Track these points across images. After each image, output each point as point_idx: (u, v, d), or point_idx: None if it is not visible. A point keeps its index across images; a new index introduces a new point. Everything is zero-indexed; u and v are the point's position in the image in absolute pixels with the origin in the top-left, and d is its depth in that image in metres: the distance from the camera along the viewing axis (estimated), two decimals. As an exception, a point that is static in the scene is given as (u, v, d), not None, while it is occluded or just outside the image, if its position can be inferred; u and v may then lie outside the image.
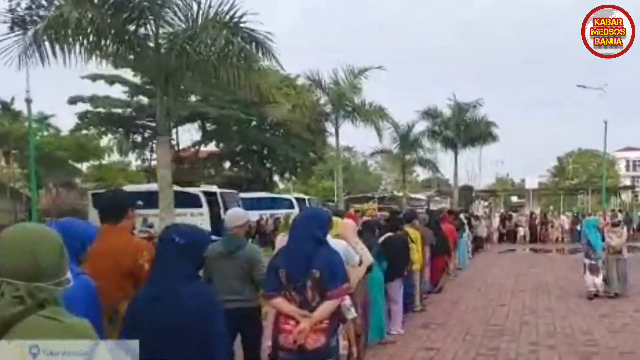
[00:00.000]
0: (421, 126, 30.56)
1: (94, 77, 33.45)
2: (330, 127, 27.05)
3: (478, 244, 22.93)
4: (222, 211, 24.58)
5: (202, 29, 10.70)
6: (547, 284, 13.45)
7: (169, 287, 2.93)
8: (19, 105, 28.73)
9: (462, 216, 18.66)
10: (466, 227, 18.41)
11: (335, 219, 6.69)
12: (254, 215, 20.06)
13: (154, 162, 39.24)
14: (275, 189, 42.57)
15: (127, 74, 34.11)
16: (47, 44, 10.32)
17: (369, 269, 6.88)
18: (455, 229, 15.07)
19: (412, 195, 45.09)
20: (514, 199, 50.90)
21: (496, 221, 30.41)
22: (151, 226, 14.68)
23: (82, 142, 32.78)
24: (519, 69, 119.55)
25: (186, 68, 11.23)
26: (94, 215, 24.64)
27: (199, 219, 25.24)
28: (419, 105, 31.80)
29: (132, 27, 10.93)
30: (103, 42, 10.69)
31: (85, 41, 10.31)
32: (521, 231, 29.68)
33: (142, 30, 11.06)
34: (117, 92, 37.19)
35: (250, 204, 22.84)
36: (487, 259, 20.32)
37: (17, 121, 30.72)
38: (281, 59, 11.56)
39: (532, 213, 31.79)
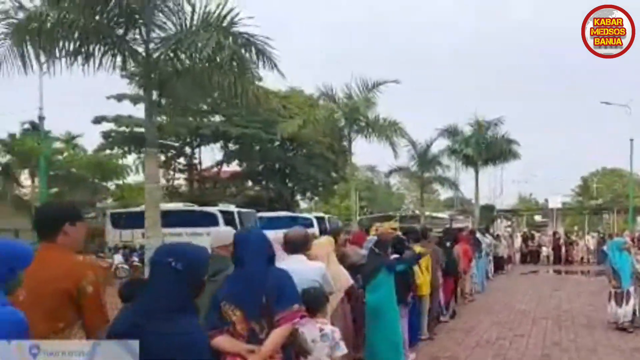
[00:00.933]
0: (441, 145, 29.83)
1: (120, 97, 33.78)
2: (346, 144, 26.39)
3: (499, 264, 21.93)
4: (239, 230, 24.01)
5: (193, 32, 9.99)
6: (571, 311, 12.43)
7: (157, 318, 2.61)
8: (48, 125, 28.89)
9: (478, 235, 17.66)
10: (483, 246, 17.43)
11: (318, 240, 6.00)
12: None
13: (176, 182, 39.32)
14: (298, 208, 42.13)
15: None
16: (30, 49, 9.67)
17: (354, 293, 6.14)
18: (472, 249, 14.22)
19: (435, 214, 44.22)
20: (537, 218, 49.70)
21: (518, 241, 29.37)
22: None
23: (101, 160, 32.74)
24: (542, 85, 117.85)
25: (177, 74, 10.52)
26: (112, 236, 25.09)
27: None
28: (440, 124, 30.90)
29: (120, 31, 10.26)
30: (89, 45, 9.99)
31: (66, 44, 9.66)
32: (544, 251, 28.63)
33: (131, 34, 10.39)
34: (142, 111, 37.06)
35: (269, 223, 22.27)
36: (508, 281, 19.29)
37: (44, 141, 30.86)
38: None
39: (555, 233, 30.64)
